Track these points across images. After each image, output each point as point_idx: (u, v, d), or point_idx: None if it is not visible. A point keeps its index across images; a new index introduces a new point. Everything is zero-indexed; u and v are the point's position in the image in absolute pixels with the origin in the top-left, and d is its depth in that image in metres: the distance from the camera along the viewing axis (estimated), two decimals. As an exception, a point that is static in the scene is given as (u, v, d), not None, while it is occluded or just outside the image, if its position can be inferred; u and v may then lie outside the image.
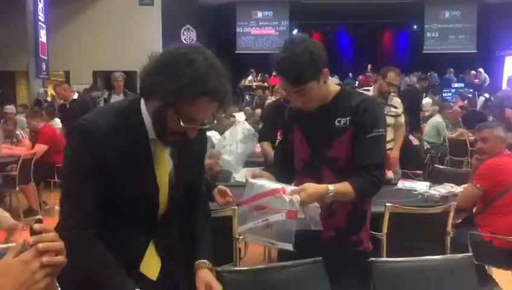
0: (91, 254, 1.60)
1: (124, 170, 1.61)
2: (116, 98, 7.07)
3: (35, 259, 1.12)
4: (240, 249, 3.72)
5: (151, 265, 1.72)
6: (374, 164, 2.08)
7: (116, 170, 1.61)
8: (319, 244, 2.15)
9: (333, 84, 2.24)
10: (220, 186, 3.10)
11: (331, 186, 1.99)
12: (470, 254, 2.11)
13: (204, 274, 1.74)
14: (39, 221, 1.19)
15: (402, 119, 4.96)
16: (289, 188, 1.96)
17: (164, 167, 1.70)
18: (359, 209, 2.22)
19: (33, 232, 1.15)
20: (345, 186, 2.04)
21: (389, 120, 4.76)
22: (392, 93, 4.97)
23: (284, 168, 2.31)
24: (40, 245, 1.13)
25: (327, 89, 2.17)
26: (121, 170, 1.61)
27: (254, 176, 2.05)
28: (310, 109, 2.15)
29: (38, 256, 1.13)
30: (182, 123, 1.56)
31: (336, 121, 2.13)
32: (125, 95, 7.17)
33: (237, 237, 3.35)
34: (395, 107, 4.88)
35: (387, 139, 4.77)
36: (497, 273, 3.43)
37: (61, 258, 1.17)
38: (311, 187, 1.96)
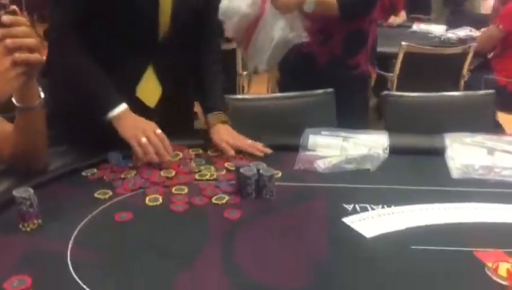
0: (77, 54, 1.49)
1: None
2: None
3: (5, 56, 0.98)
4: (243, 87, 3.61)
5: (149, 90, 1.59)
6: None
7: None
8: (316, 68, 2.11)
9: None
10: None
11: None
12: (492, 91, 1.97)
13: (222, 129, 1.59)
14: (13, 12, 1.01)
15: None
16: None
17: None
18: (359, 31, 2.12)
19: (2, 25, 0.98)
20: None
21: None
22: None
23: None
24: (8, 41, 0.98)
25: None
26: None
27: None
28: None
29: (9, 53, 0.98)
30: None
31: None
32: None
33: (241, 72, 3.21)
34: None
35: None
36: (503, 120, 3.36)
37: (37, 56, 1.02)
38: None
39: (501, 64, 3.30)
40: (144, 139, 1.39)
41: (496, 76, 3.26)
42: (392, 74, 3.09)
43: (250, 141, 1.57)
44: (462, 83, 3.16)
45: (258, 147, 1.55)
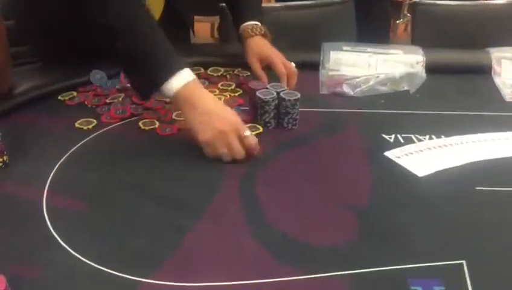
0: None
1: None
2: None
3: None
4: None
5: (150, 4, 1.28)
6: None
7: None
8: None
9: None
10: None
11: None
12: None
13: (256, 43, 1.22)
14: None
15: None
16: None
17: None
18: None
19: None
20: None
21: None
22: None
23: None
24: None
25: None
26: None
27: None
28: None
29: None
30: None
31: None
32: None
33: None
34: None
35: None
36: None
37: None
38: None
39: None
40: (226, 156, 0.92)
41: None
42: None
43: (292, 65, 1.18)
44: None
45: (292, 78, 1.17)
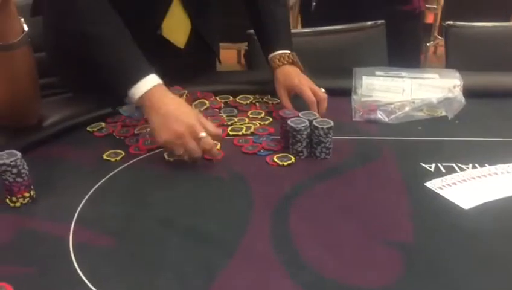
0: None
1: None
2: None
3: None
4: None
5: (176, 28, 1.27)
6: None
7: None
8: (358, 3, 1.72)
9: None
10: None
11: None
12: None
13: (284, 73, 1.18)
14: None
15: None
16: None
17: None
18: None
19: None
20: None
21: None
22: None
23: None
24: None
25: None
26: None
27: None
28: None
29: None
30: None
31: None
32: None
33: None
34: None
35: None
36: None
37: None
38: None
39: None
40: (184, 157, 0.95)
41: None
42: (435, 6, 2.73)
43: (322, 91, 1.14)
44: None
45: (322, 104, 1.13)
